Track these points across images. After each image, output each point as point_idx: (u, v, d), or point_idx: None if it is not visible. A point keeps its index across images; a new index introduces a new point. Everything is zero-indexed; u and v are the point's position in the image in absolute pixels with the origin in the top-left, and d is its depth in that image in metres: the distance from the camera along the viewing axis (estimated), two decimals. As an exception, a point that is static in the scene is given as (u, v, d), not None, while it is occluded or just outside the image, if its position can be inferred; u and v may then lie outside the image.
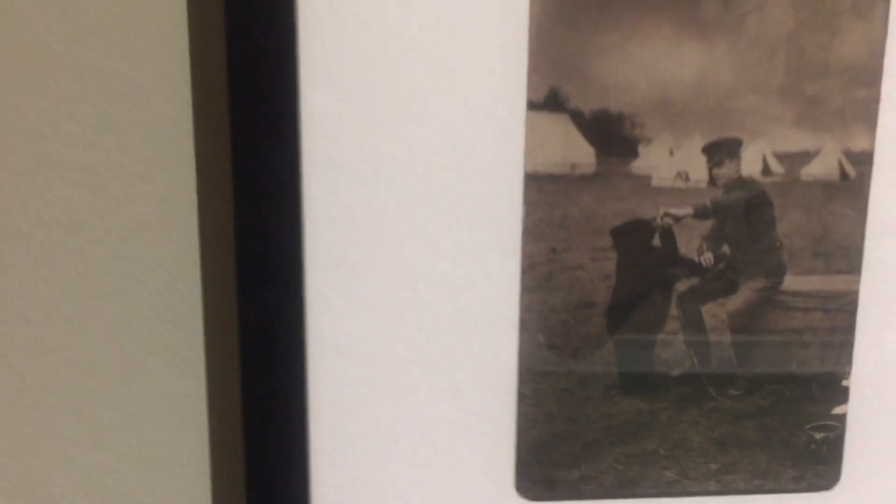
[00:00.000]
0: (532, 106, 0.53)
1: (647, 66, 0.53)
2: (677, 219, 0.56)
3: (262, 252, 0.53)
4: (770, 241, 0.56)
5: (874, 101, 0.54)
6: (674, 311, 0.57)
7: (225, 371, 0.57)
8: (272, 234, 0.53)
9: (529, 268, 0.56)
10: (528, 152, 0.54)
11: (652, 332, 0.57)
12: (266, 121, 0.51)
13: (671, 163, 0.54)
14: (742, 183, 0.55)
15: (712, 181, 0.55)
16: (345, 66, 0.52)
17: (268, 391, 0.55)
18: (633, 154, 0.54)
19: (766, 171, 0.55)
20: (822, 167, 0.55)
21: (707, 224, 0.56)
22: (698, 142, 0.54)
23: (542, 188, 0.54)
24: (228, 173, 0.51)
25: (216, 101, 0.52)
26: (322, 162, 0.53)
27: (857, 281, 0.57)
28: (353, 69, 0.52)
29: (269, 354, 0.54)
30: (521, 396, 0.58)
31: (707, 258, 0.57)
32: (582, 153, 0.54)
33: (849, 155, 0.55)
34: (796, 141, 0.54)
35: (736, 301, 0.57)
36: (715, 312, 0.57)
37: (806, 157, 0.55)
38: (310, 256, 0.54)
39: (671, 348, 0.58)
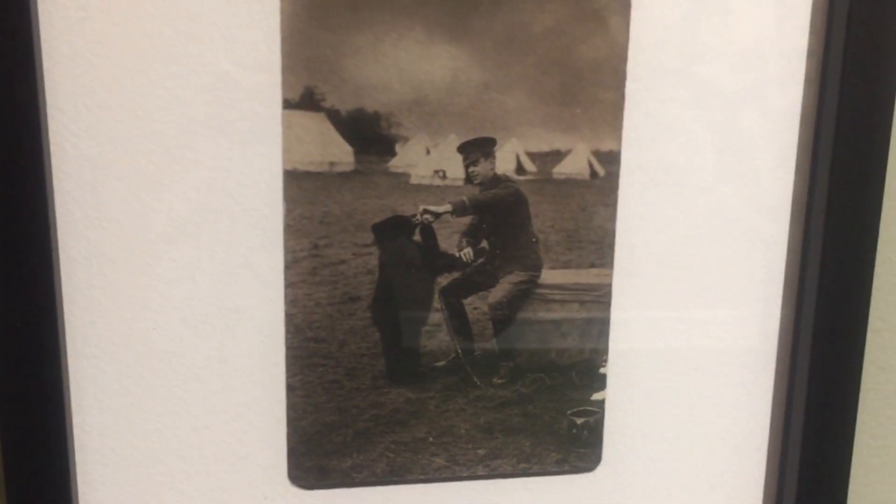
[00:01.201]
0: (288, 105, 0.54)
1: (401, 66, 0.54)
2: (436, 215, 0.57)
3: (11, 247, 0.52)
4: (526, 236, 0.59)
5: (619, 103, 0.57)
6: (437, 303, 0.59)
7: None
8: (20, 230, 0.52)
9: (293, 263, 0.56)
10: (287, 150, 0.55)
11: (416, 324, 0.59)
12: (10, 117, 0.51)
13: (428, 161, 0.56)
14: (498, 181, 0.57)
15: (469, 179, 0.57)
16: (93, 60, 0.52)
17: (23, 390, 0.54)
18: (391, 152, 0.55)
19: (521, 169, 0.57)
20: (573, 166, 0.57)
21: (466, 220, 0.58)
22: (454, 141, 0.56)
23: (301, 185, 0.55)
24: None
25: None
26: (75, 157, 0.53)
27: (610, 274, 0.60)
28: (102, 63, 0.52)
29: (23, 355, 0.54)
30: (291, 388, 0.59)
31: (467, 253, 0.58)
32: (340, 151, 0.55)
33: (598, 155, 0.58)
34: (548, 141, 0.57)
35: (496, 294, 0.59)
36: (477, 305, 0.59)
37: (557, 156, 0.57)
38: (66, 254, 0.54)
39: (436, 340, 0.59)
